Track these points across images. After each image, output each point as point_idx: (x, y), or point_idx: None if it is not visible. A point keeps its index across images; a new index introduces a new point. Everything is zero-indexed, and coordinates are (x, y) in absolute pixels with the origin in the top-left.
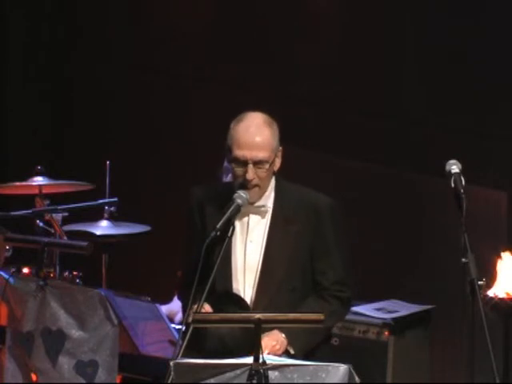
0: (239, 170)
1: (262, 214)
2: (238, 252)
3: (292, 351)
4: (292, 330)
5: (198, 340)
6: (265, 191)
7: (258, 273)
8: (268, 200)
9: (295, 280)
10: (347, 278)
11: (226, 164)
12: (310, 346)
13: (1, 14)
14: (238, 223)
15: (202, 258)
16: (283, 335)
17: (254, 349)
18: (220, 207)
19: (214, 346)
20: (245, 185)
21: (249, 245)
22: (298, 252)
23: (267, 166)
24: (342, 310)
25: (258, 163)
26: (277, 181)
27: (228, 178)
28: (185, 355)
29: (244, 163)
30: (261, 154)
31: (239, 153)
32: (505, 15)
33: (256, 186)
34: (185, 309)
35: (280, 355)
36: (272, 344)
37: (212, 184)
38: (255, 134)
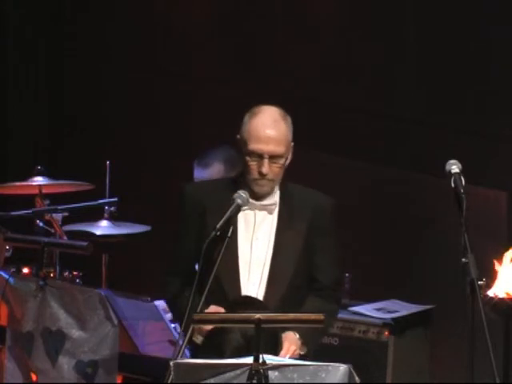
0: (253, 164)
1: (269, 212)
2: (244, 249)
3: (303, 352)
4: (305, 331)
5: (220, 343)
6: (275, 187)
7: (267, 271)
8: (274, 198)
9: (300, 278)
10: (341, 277)
11: (195, 174)
12: (317, 346)
13: (1, 14)
14: (242, 220)
15: (202, 258)
16: (297, 336)
17: (254, 349)
18: (221, 203)
19: (238, 346)
20: (259, 180)
21: (255, 242)
22: (304, 250)
23: (282, 160)
24: (338, 309)
25: (273, 158)
26: (281, 180)
27: None
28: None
29: (259, 157)
30: (277, 149)
31: (256, 146)
32: (506, 14)
33: (270, 180)
34: (179, 311)
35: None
36: (293, 349)
37: (206, 181)
38: (272, 128)
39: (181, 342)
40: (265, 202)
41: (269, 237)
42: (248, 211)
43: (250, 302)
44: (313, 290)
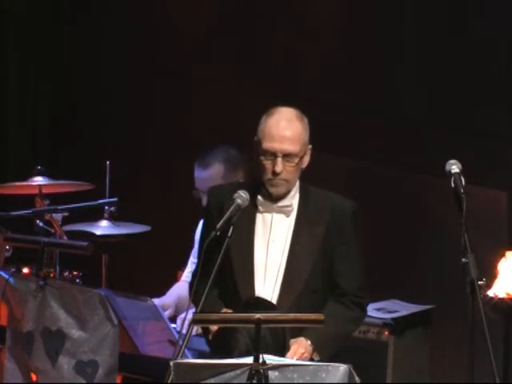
0: (268, 163)
1: (286, 214)
2: (260, 251)
3: (316, 358)
4: (318, 338)
5: (229, 342)
6: (291, 188)
7: (282, 273)
8: (293, 200)
9: (317, 282)
10: (364, 283)
11: (196, 175)
12: (334, 352)
13: (1, 15)
14: (260, 222)
15: (201, 258)
16: (309, 342)
17: (255, 348)
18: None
19: (246, 346)
20: (273, 179)
21: (271, 244)
22: (322, 254)
23: (296, 160)
24: (362, 316)
25: (287, 156)
26: (301, 183)
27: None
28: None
29: (273, 156)
30: (290, 148)
31: (269, 145)
32: (506, 14)
33: (284, 180)
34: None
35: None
36: (301, 352)
37: (231, 183)
38: (286, 127)
39: (181, 342)
40: (281, 204)
41: (285, 239)
42: (265, 213)
43: (262, 304)
44: (335, 296)
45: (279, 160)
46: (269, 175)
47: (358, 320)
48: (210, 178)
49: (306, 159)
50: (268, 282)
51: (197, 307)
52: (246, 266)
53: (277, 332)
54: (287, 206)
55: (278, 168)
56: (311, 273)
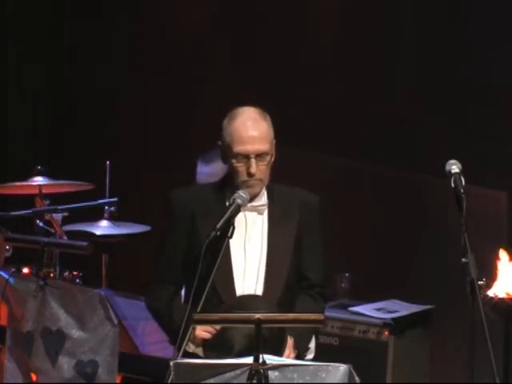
0: (240, 166)
1: (259, 212)
2: (237, 252)
3: (295, 354)
4: (298, 334)
5: (227, 341)
6: (263, 187)
7: (263, 272)
8: (262, 198)
9: (294, 277)
10: (328, 274)
11: (198, 170)
12: (307, 347)
13: (1, 15)
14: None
15: (201, 259)
16: (293, 340)
17: (254, 349)
18: (209, 208)
19: (244, 346)
20: (248, 181)
21: (247, 243)
22: (295, 248)
23: (268, 158)
24: (325, 307)
25: (259, 156)
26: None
27: None
28: (213, 356)
29: (246, 158)
30: (262, 147)
31: (241, 148)
32: (506, 13)
33: (258, 180)
34: (173, 320)
35: None
36: (292, 357)
37: (193, 186)
38: (254, 127)
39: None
40: (255, 204)
41: (261, 237)
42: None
43: (247, 301)
44: (302, 289)
45: (253, 161)
46: (244, 177)
47: (324, 312)
48: (210, 173)
49: (274, 155)
50: (248, 282)
51: (154, 314)
52: (225, 268)
53: (275, 331)
54: (261, 206)
55: (253, 169)
56: (289, 270)
